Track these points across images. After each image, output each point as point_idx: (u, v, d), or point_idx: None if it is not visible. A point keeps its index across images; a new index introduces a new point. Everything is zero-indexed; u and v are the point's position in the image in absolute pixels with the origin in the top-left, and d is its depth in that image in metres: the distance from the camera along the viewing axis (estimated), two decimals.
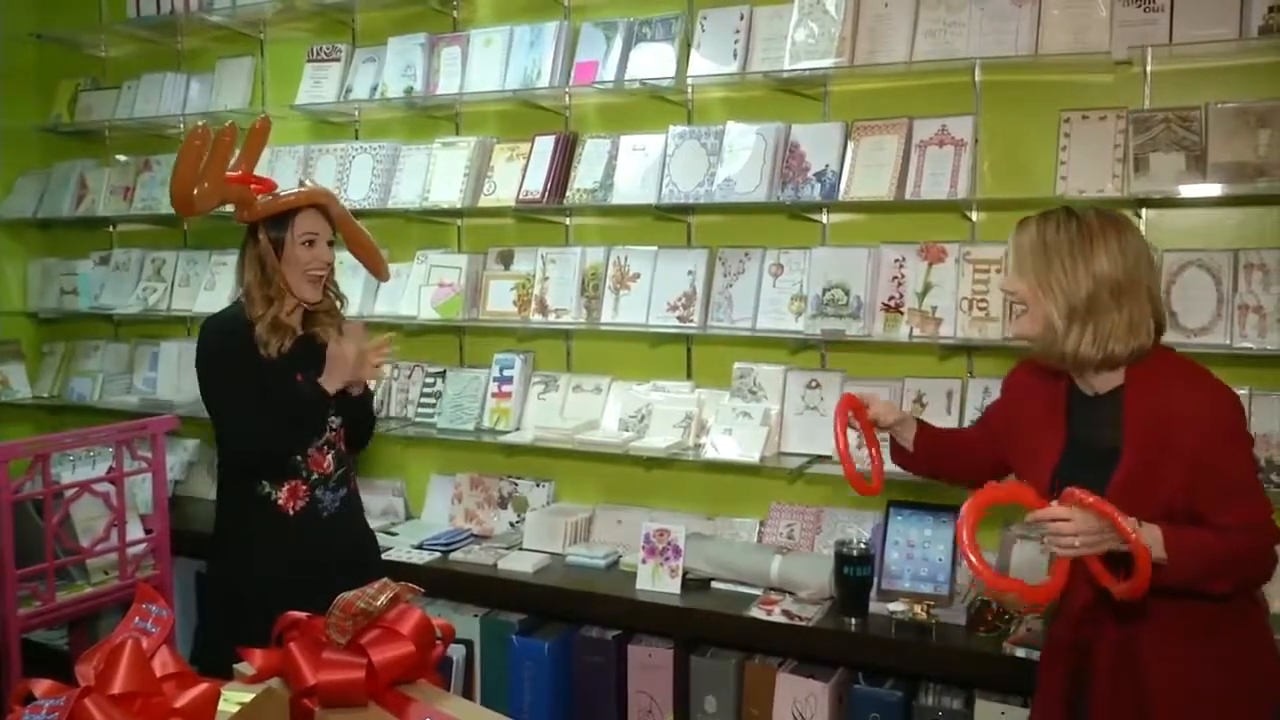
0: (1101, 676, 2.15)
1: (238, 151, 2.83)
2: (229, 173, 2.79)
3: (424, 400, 4.13)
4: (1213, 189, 2.95)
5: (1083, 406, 2.19)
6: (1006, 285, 2.24)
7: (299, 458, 2.84)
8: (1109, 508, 1.90)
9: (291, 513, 2.84)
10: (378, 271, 3.27)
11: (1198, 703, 2.08)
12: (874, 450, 2.54)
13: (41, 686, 1.55)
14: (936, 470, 2.59)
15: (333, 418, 2.91)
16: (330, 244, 2.91)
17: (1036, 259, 2.12)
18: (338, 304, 3.01)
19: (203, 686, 1.57)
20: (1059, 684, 2.25)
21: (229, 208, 2.86)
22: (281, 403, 2.79)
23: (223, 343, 2.82)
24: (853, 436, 2.46)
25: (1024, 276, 2.15)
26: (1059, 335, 2.10)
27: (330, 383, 2.83)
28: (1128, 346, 2.08)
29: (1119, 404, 2.12)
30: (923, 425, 2.53)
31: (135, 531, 3.41)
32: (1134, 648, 2.11)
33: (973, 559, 1.91)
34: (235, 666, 1.79)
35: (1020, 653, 2.81)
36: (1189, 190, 2.97)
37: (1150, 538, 1.92)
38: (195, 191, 2.73)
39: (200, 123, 2.82)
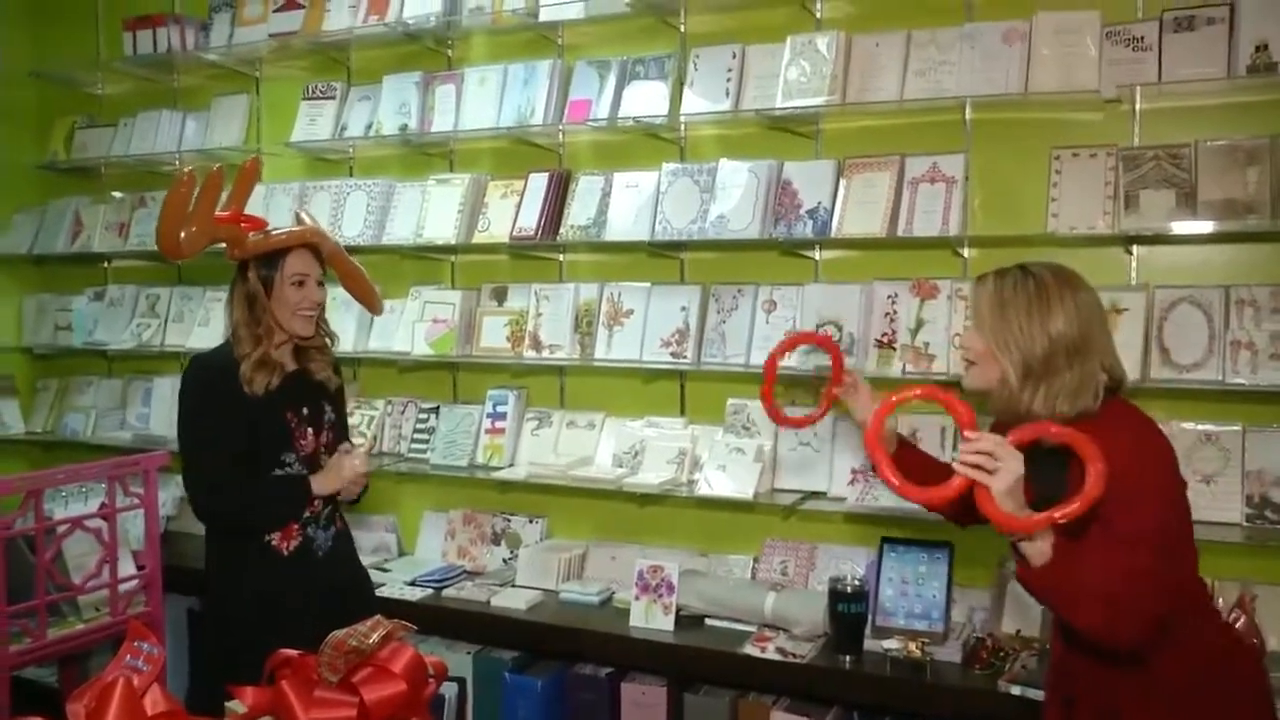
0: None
1: (227, 192, 2.84)
2: (219, 213, 2.80)
3: (417, 436, 4.12)
4: (1203, 226, 2.97)
5: (1033, 456, 2.07)
6: (964, 341, 2.26)
7: None
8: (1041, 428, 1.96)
9: (286, 553, 2.83)
10: (371, 305, 3.28)
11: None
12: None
13: None
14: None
15: (324, 455, 2.90)
16: (321, 284, 2.91)
17: (994, 316, 2.15)
18: (328, 342, 3.01)
19: None
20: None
21: (221, 245, 2.87)
22: (261, 489, 2.79)
23: (207, 386, 2.80)
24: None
25: (982, 332, 2.17)
26: (1014, 391, 2.12)
27: (323, 486, 2.82)
28: (1074, 407, 2.09)
29: (1064, 458, 2.05)
30: (904, 444, 2.55)
31: (127, 568, 3.39)
32: (1110, 707, 2.13)
33: (880, 461, 2.03)
34: (227, 705, 1.78)
35: (1015, 690, 2.80)
36: (1179, 227, 2.99)
37: (1044, 544, 1.95)
38: (182, 235, 2.73)
39: (187, 169, 2.82)
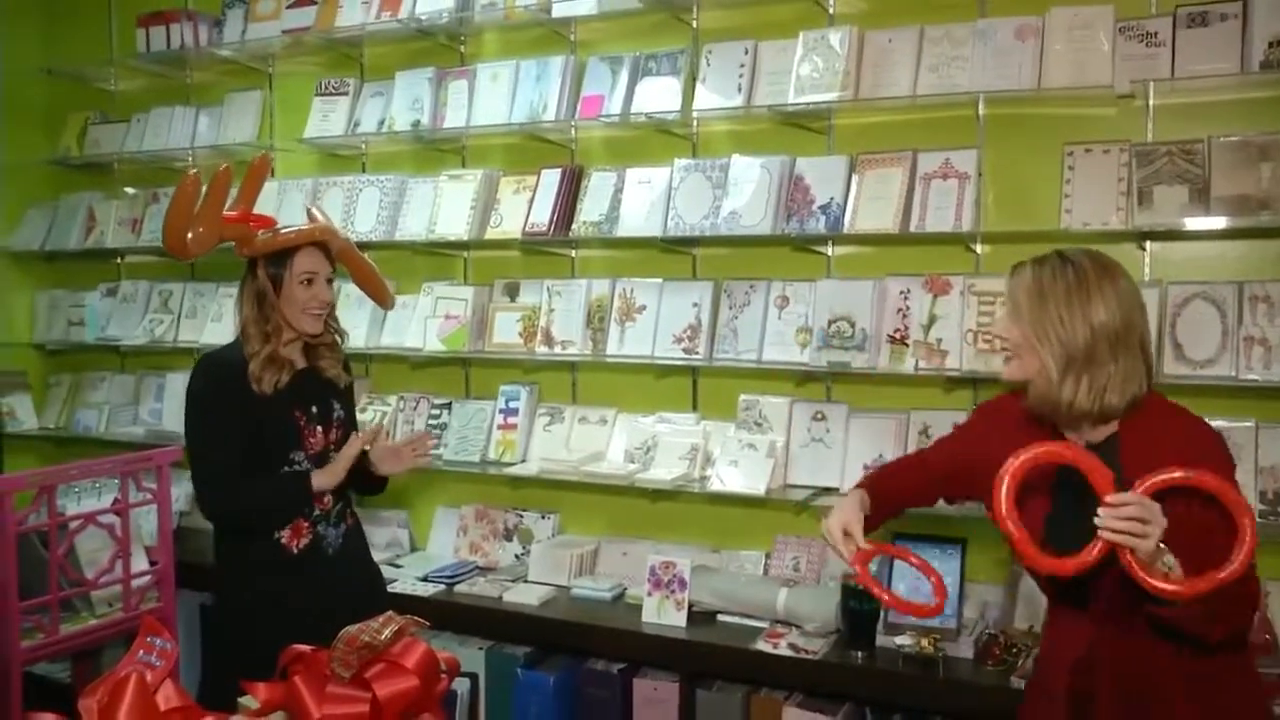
0: (1106, 712, 2.08)
1: (235, 189, 2.84)
2: (227, 212, 2.80)
3: (429, 432, 4.13)
4: (1216, 222, 2.96)
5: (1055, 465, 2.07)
6: (1000, 331, 2.19)
7: None
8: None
9: (296, 550, 2.83)
10: (381, 301, 3.28)
11: None
12: (918, 562, 2.37)
13: None
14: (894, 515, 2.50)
15: (333, 453, 2.91)
16: (330, 281, 2.91)
17: (1033, 306, 2.07)
18: (338, 340, 3.01)
19: None
20: (1055, 715, 2.16)
21: (231, 242, 2.87)
22: (263, 488, 2.79)
23: (215, 384, 2.80)
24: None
25: (1019, 323, 2.10)
26: (1053, 384, 2.04)
27: (325, 482, 2.81)
28: (1123, 398, 2.03)
29: (1115, 455, 2.04)
30: (873, 489, 2.41)
31: (140, 563, 3.39)
32: (1140, 699, 2.05)
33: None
34: (239, 700, 1.79)
35: None
36: (1193, 223, 2.98)
37: (1175, 565, 1.85)
38: (189, 235, 2.74)
39: (192, 170, 2.82)
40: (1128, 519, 1.81)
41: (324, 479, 2.80)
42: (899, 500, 2.46)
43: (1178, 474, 1.84)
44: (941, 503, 2.51)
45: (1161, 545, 1.83)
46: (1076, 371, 2.02)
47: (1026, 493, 2.02)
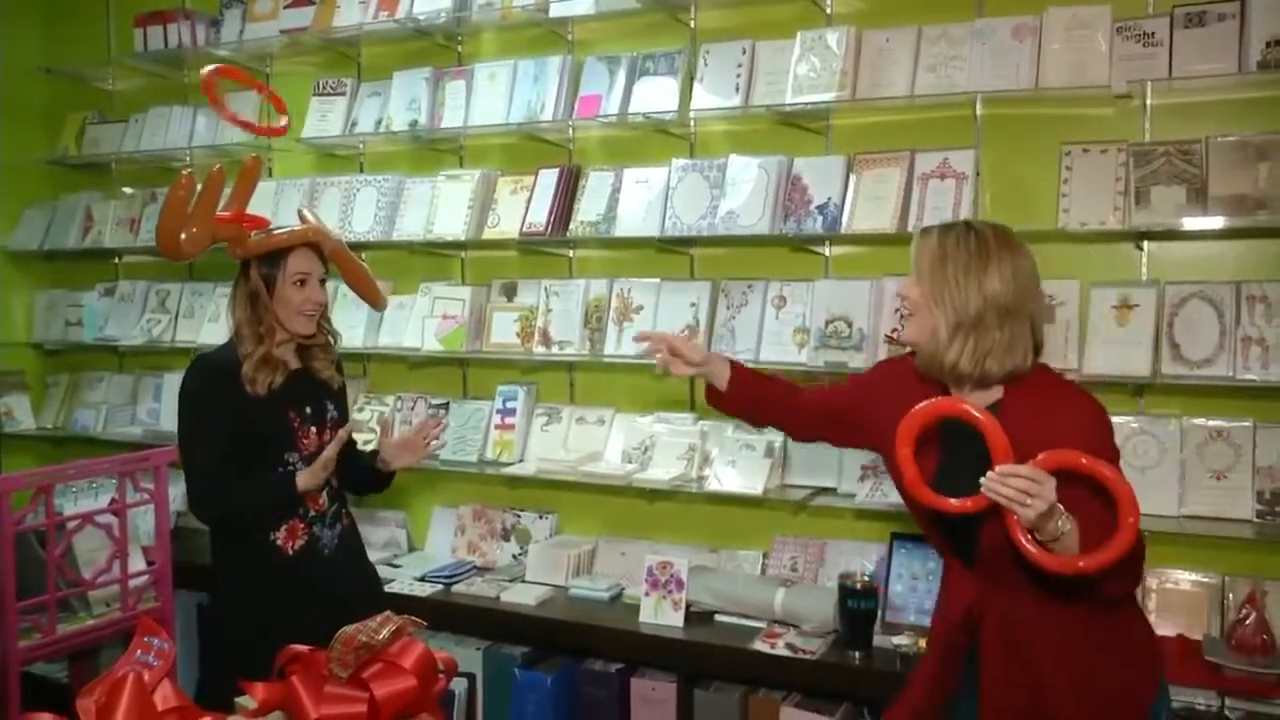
0: (990, 660, 2.19)
1: (228, 191, 2.84)
2: (220, 213, 2.80)
3: (436, 417, 4.12)
4: (1214, 221, 2.96)
5: (956, 421, 2.15)
6: (902, 289, 2.28)
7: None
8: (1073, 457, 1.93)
9: (291, 552, 2.83)
10: (374, 302, 3.29)
11: (1088, 679, 2.13)
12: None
13: None
14: (751, 414, 2.63)
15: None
16: (323, 282, 2.90)
17: (934, 269, 2.17)
18: (331, 340, 3.01)
19: None
20: (946, 662, 2.28)
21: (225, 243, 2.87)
22: (252, 489, 2.77)
23: (207, 386, 2.80)
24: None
25: (920, 283, 2.20)
26: (941, 345, 2.15)
27: (309, 482, 2.77)
28: (1003, 366, 2.13)
29: (997, 418, 2.09)
30: (737, 366, 2.55)
31: (137, 563, 3.40)
32: (1023, 650, 2.15)
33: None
34: (237, 700, 1.79)
35: None
36: (1190, 223, 2.98)
37: (1070, 530, 1.94)
38: (183, 236, 2.73)
39: (186, 170, 2.82)
40: (1020, 489, 1.90)
41: (307, 479, 2.76)
42: (763, 395, 2.56)
43: (1082, 460, 1.92)
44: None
45: (1060, 508, 1.92)
46: (964, 335, 2.13)
47: (921, 443, 2.13)
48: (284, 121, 3.45)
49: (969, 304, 2.12)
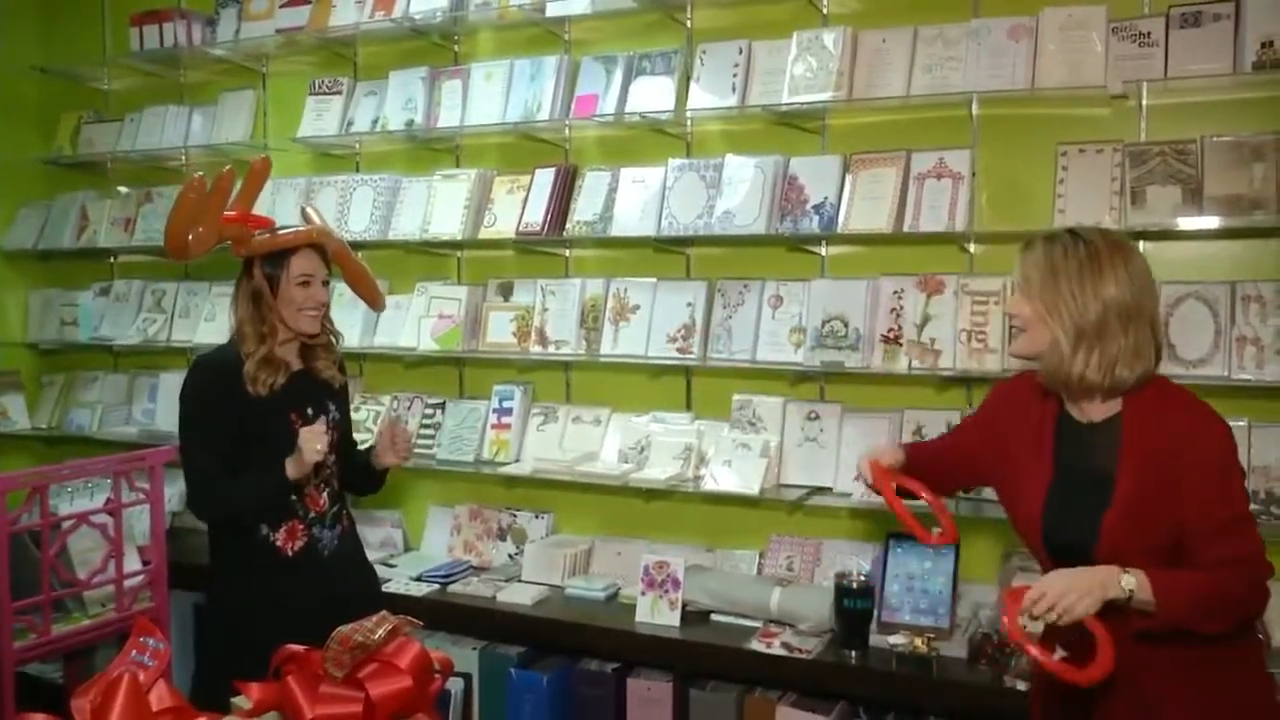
0: (1110, 707, 2.11)
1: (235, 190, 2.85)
2: (225, 213, 2.80)
3: (423, 431, 4.12)
4: (1209, 221, 2.97)
5: (1074, 433, 2.17)
6: (1012, 307, 2.22)
7: (294, 498, 2.84)
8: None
9: (291, 553, 2.83)
10: (373, 302, 3.29)
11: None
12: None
13: None
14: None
15: (329, 455, 2.90)
16: (326, 283, 2.91)
17: (1045, 281, 2.11)
18: (333, 340, 3.01)
19: None
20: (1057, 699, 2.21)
21: (227, 242, 2.87)
22: (244, 483, 2.76)
23: (207, 386, 2.80)
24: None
25: (1031, 299, 2.13)
26: (1065, 358, 2.08)
27: (296, 469, 2.73)
28: (1133, 372, 2.07)
29: (1116, 431, 2.10)
30: (912, 447, 2.47)
31: (133, 563, 3.39)
32: (1141, 690, 2.07)
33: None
34: (232, 700, 1.78)
35: (1022, 686, 2.79)
36: (1186, 223, 2.99)
37: (1137, 583, 1.92)
38: (190, 237, 2.74)
39: (198, 174, 2.82)
40: (1046, 611, 1.91)
41: (295, 467, 2.72)
42: (935, 457, 2.47)
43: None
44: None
45: (1116, 574, 1.92)
46: (1088, 344, 2.06)
47: (1032, 458, 2.16)
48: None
49: (1088, 312, 2.05)
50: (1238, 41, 2.97)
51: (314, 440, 2.69)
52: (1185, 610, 1.94)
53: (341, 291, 3.30)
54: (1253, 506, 2.90)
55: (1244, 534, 2.03)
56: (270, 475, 2.74)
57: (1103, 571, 1.94)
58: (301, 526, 2.84)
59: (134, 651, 1.75)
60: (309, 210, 3.10)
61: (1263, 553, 2.03)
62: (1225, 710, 2.07)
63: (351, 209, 4.20)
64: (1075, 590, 1.90)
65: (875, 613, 3.17)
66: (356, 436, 3.23)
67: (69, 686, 3.69)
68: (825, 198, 3.41)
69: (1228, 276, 3.05)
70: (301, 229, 2.91)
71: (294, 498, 2.83)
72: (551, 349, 3.85)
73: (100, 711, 1.56)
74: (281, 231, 2.88)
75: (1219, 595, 1.97)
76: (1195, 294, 3.04)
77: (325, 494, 2.90)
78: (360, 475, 3.07)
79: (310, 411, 2.86)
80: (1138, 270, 2.10)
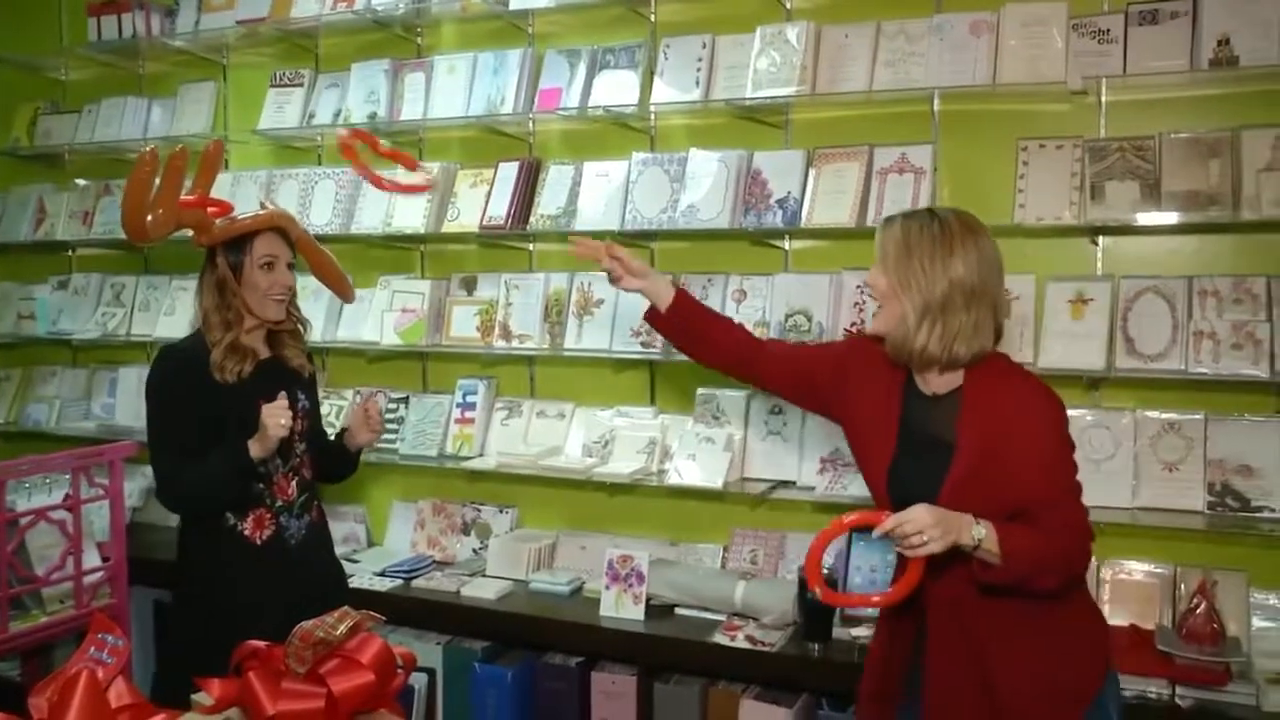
0: (936, 647, 2.25)
1: (191, 176, 2.82)
2: (184, 197, 2.77)
3: (386, 426, 4.10)
4: (1167, 217, 3.00)
5: (919, 404, 2.29)
6: (869, 279, 2.31)
7: (261, 486, 2.82)
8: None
9: (259, 542, 2.81)
10: (342, 293, 3.27)
11: (1035, 667, 2.19)
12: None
13: None
14: (692, 345, 2.66)
15: (298, 443, 2.89)
16: (291, 266, 2.89)
17: (899, 257, 2.21)
18: (301, 328, 3.00)
19: (159, 718, 1.56)
20: (895, 648, 2.36)
21: (187, 232, 2.84)
22: (208, 466, 2.71)
23: (173, 376, 2.78)
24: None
25: (886, 272, 2.24)
26: (909, 331, 2.19)
27: (259, 448, 2.69)
28: (970, 349, 2.18)
29: (956, 403, 2.22)
30: (682, 291, 2.62)
31: (92, 560, 3.36)
32: (972, 635, 2.21)
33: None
34: (193, 697, 1.77)
35: None
36: (1144, 218, 3.02)
37: (985, 534, 2.03)
38: (149, 219, 2.71)
39: (149, 147, 2.79)
40: (917, 541, 2.03)
41: (258, 446, 2.69)
42: (707, 327, 2.62)
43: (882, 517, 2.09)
44: None
45: (967, 521, 2.04)
46: (931, 319, 2.17)
47: (874, 429, 2.32)
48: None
49: (935, 288, 2.16)
50: (1195, 39, 3.00)
51: (276, 415, 2.66)
52: (1027, 565, 2.07)
53: (304, 284, 3.28)
54: (1208, 498, 2.98)
55: (1074, 500, 2.18)
56: (233, 455, 2.71)
57: (961, 518, 2.05)
58: (269, 515, 2.82)
59: (92, 648, 1.74)
60: (268, 204, 3.08)
61: (1087, 519, 2.18)
62: (1051, 651, 2.20)
63: (313, 202, 4.17)
64: (940, 526, 2.01)
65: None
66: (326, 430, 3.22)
67: (27, 684, 3.64)
68: (789, 192, 3.42)
69: (1185, 271, 3.09)
70: (262, 212, 2.90)
71: (261, 486, 2.81)
72: (515, 343, 3.84)
73: (58, 709, 1.54)
74: (242, 216, 2.86)
75: (1055, 554, 2.10)
76: (1153, 288, 3.08)
77: (294, 483, 2.88)
78: (334, 459, 3.07)
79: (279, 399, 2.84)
80: (986, 253, 2.21)
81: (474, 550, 3.96)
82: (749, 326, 3.44)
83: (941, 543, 2.01)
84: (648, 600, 3.36)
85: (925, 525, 2.01)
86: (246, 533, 2.80)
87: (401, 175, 3.60)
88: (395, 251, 4.19)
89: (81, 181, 4.83)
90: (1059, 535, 2.11)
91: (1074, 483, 2.20)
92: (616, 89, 3.67)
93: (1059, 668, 2.19)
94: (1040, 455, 2.15)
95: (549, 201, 3.77)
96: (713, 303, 3.56)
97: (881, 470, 2.29)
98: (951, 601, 2.21)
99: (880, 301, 2.27)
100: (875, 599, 2.33)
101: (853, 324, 3.36)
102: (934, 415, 2.25)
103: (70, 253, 4.94)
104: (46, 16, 4.94)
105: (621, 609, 3.37)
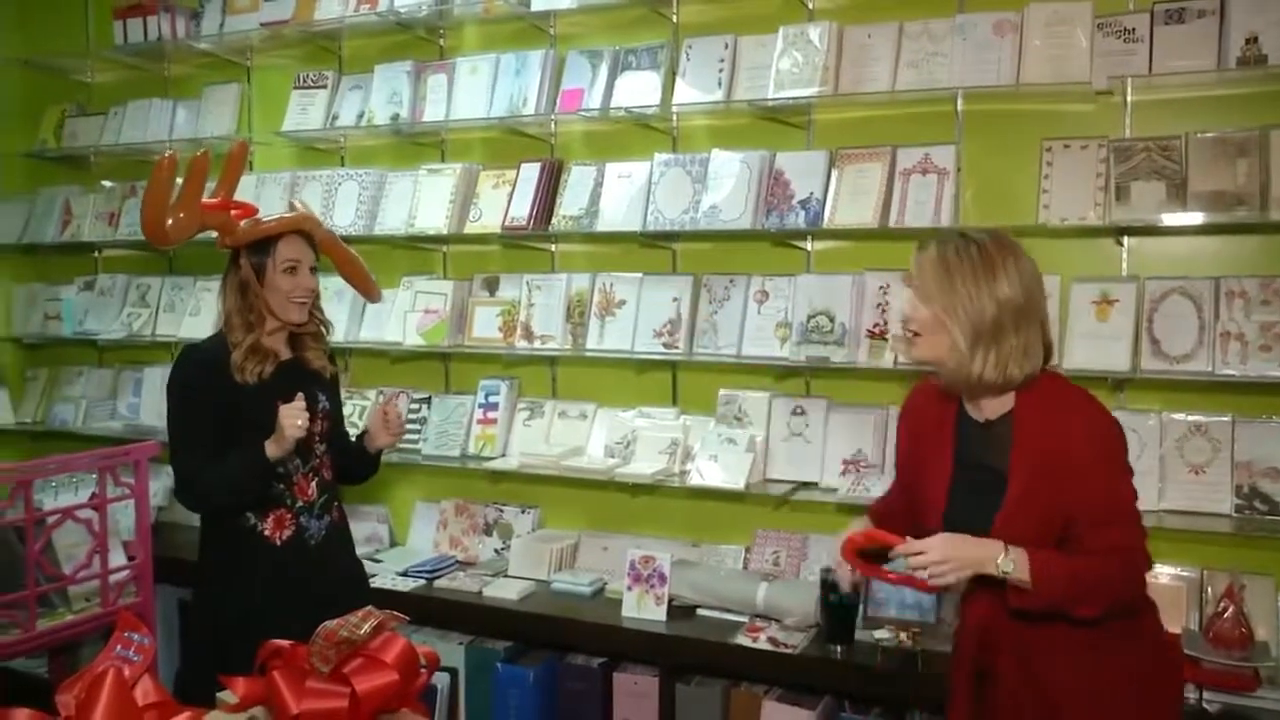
0: (1005, 682, 2.21)
1: (215, 179, 2.83)
2: (207, 200, 2.78)
3: (409, 427, 4.10)
4: (1193, 218, 2.98)
5: (972, 431, 2.26)
6: (907, 311, 2.26)
7: (281, 486, 2.83)
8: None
9: (279, 543, 2.82)
10: (369, 293, 3.27)
11: (1105, 699, 2.14)
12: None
13: (21, 716, 1.53)
14: None
15: (318, 444, 2.90)
16: (314, 270, 2.90)
17: (941, 284, 2.16)
18: (323, 329, 3.00)
19: (184, 716, 1.56)
20: (966, 686, 2.30)
21: (212, 234, 2.85)
22: (225, 466, 2.72)
23: (194, 375, 2.79)
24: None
25: (928, 301, 2.18)
26: (964, 359, 2.14)
27: (275, 449, 2.71)
28: (1023, 370, 2.14)
29: (1009, 430, 2.18)
30: (872, 509, 2.64)
31: (118, 558, 3.37)
32: (1033, 671, 2.17)
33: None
34: (218, 695, 1.78)
35: None
36: (1170, 219, 3.00)
37: (1015, 564, 2.03)
38: (169, 222, 2.72)
39: (168, 151, 2.80)
40: (941, 560, 2.06)
41: (275, 446, 2.70)
42: (894, 513, 2.53)
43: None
44: None
45: (997, 550, 2.05)
46: (985, 346, 2.13)
47: (930, 463, 2.29)
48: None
49: (984, 313, 2.12)
50: (1222, 38, 2.98)
51: (293, 415, 2.67)
52: (1060, 592, 2.04)
53: (327, 285, 3.29)
54: (1236, 501, 2.94)
55: (1126, 525, 2.12)
56: (251, 456, 2.72)
57: (987, 547, 2.04)
58: (289, 515, 2.83)
59: (119, 646, 1.74)
60: (296, 203, 3.08)
61: (1143, 546, 2.12)
62: (1116, 688, 2.14)
63: (337, 203, 4.18)
64: (952, 561, 2.02)
65: (861, 607, 3.18)
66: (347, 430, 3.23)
67: (54, 681, 3.67)
68: (811, 193, 3.41)
69: (1212, 272, 3.07)
70: (286, 215, 2.90)
71: (281, 486, 2.82)
72: (537, 344, 3.85)
73: (85, 706, 1.55)
74: (267, 219, 2.86)
75: (1094, 580, 2.06)
76: (1180, 289, 3.06)
77: (314, 483, 2.89)
78: (354, 460, 3.08)
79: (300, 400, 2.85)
80: (1026, 269, 2.17)
81: (496, 550, 3.96)
82: (770, 328, 3.49)
83: (957, 575, 2.02)
84: (670, 601, 3.35)
85: (937, 559, 2.02)
86: (266, 533, 2.81)
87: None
88: (418, 252, 4.20)
89: (107, 183, 4.86)
90: (1101, 558, 2.07)
91: (1128, 506, 2.14)
92: (638, 90, 3.67)
93: (1129, 711, 2.15)
94: (1094, 477, 2.10)
95: (571, 202, 3.77)
96: (735, 304, 3.56)
97: (938, 507, 2.25)
98: (1019, 635, 2.18)
99: (921, 332, 2.21)
100: (917, 579, 2.19)
101: (875, 325, 3.34)
102: (987, 444, 2.21)
103: (96, 254, 4.97)
104: (73, 20, 4.98)
105: (643, 610, 3.36)
